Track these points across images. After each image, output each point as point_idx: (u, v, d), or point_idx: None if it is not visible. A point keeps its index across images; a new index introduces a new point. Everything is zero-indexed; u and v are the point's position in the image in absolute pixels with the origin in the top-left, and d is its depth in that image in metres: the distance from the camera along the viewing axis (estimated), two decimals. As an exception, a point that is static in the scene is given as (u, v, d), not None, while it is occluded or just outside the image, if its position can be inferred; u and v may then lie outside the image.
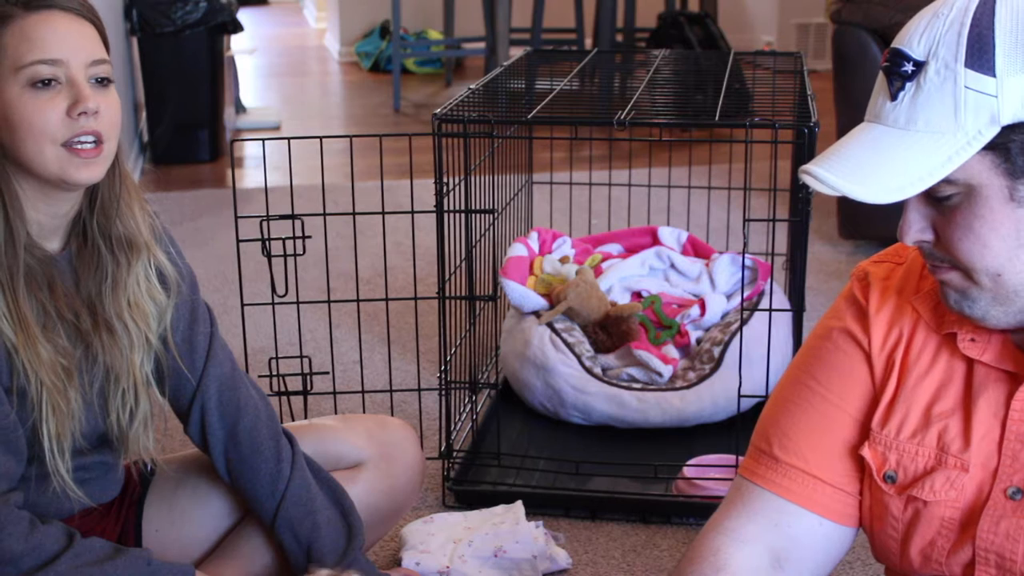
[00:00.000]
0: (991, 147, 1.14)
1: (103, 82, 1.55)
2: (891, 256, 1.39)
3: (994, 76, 1.12)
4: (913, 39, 1.17)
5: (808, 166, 1.19)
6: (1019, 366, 1.26)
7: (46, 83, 1.50)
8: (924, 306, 1.32)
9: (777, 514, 1.37)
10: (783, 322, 2.60)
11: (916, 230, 1.22)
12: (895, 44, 1.18)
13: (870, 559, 2.14)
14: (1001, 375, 1.27)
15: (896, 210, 1.22)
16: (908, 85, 1.16)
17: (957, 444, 1.29)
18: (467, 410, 2.61)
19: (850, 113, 3.76)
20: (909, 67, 1.16)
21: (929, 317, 1.32)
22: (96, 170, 1.54)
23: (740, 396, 2.32)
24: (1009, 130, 1.13)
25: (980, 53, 1.13)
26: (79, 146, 1.52)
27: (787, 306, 2.67)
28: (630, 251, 3.17)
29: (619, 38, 6.42)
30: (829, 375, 1.38)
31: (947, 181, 1.16)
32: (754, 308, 2.71)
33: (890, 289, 1.36)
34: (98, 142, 1.53)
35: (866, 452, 1.34)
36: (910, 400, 1.32)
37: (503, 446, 2.43)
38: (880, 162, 1.17)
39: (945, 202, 1.19)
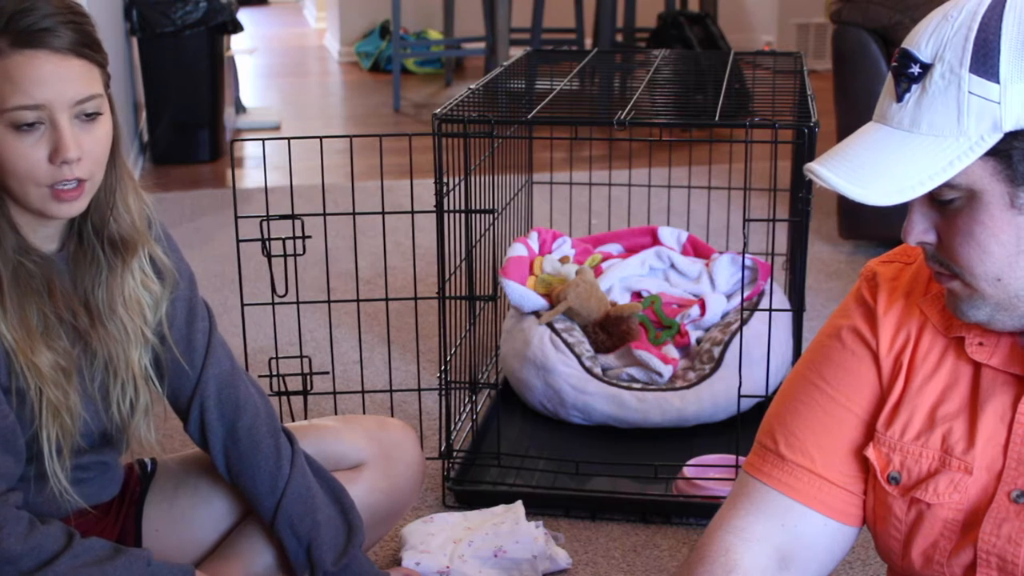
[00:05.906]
0: (993, 153, 1.14)
1: (91, 116, 1.52)
2: (900, 256, 1.39)
3: (998, 82, 1.12)
4: (921, 41, 1.16)
5: (812, 165, 1.19)
6: None
7: (29, 125, 1.48)
8: (932, 308, 1.32)
9: (783, 513, 1.37)
10: (783, 322, 2.60)
11: (919, 231, 1.22)
12: (904, 44, 1.18)
13: (870, 559, 2.14)
14: (1008, 379, 1.27)
15: (896, 210, 1.22)
16: (914, 87, 1.16)
17: (961, 446, 1.28)
18: (467, 410, 2.61)
19: (850, 113, 3.76)
20: (916, 69, 1.16)
21: (937, 320, 1.31)
22: (78, 205, 1.55)
23: (740, 396, 2.31)
24: (1011, 137, 1.13)
25: (985, 59, 1.12)
26: (61, 188, 1.51)
27: (787, 306, 2.67)
28: (630, 251, 3.17)
29: (619, 38, 6.42)
30: (837, 375, 1.37)
31: (949, 185, 1.16)
32: (754, 308, 2.71)
33: (898, 290, 1.35)
34: (81, 181, 1.53)
35: (870, 453, 1.34)
36: (915, 402, 1.32)
37: (503, 446, 2.43)
38: (882, 164, 1.16)
39: (948, 206, 1.19)
